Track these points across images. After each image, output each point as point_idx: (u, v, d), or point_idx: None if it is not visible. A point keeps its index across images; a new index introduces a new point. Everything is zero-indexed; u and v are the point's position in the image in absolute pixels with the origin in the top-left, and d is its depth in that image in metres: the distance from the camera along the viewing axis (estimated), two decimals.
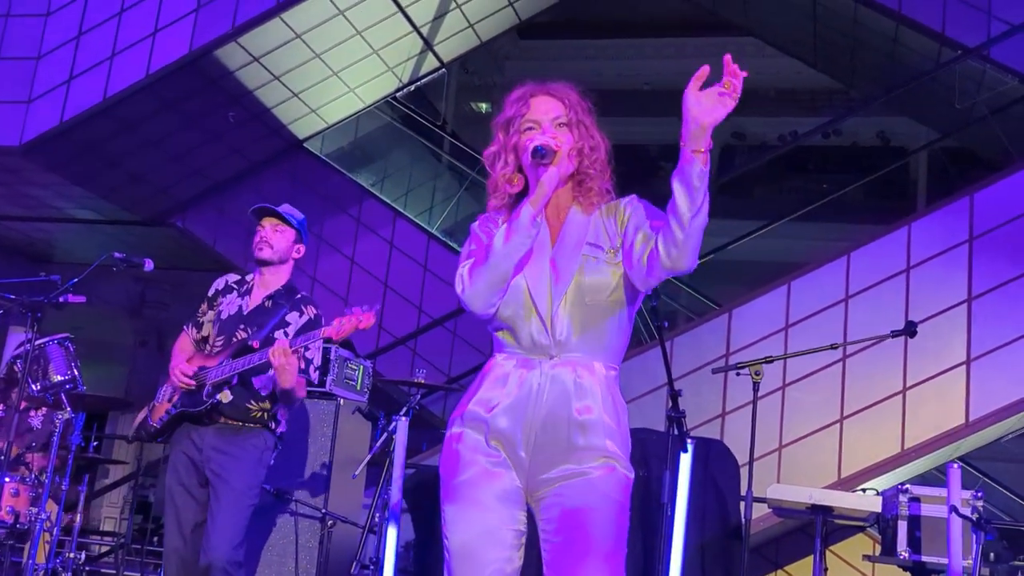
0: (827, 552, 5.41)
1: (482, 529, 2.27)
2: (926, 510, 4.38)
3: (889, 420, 6.95)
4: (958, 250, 7.18)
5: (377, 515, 4.80)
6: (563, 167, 2.35)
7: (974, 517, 4.02)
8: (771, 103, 13.99)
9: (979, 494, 4.24)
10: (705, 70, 2.13)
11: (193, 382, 3.95)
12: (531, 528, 2.33)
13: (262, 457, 4.00)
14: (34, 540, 4.60)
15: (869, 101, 10.91)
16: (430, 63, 9.75)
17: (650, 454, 4.64)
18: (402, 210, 10.21)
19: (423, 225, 10.21)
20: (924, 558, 4.31)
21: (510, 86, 2.48)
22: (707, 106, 2.11)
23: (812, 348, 5.08)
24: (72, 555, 5.22)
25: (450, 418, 2.40)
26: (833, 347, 5.10)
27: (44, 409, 5.44)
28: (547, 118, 2.38)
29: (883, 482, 6.60)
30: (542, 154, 2.31)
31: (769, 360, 4.71)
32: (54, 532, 4.97)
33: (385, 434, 4.75)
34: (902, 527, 4.36)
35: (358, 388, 5.25)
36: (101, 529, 12.07)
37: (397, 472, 4.49)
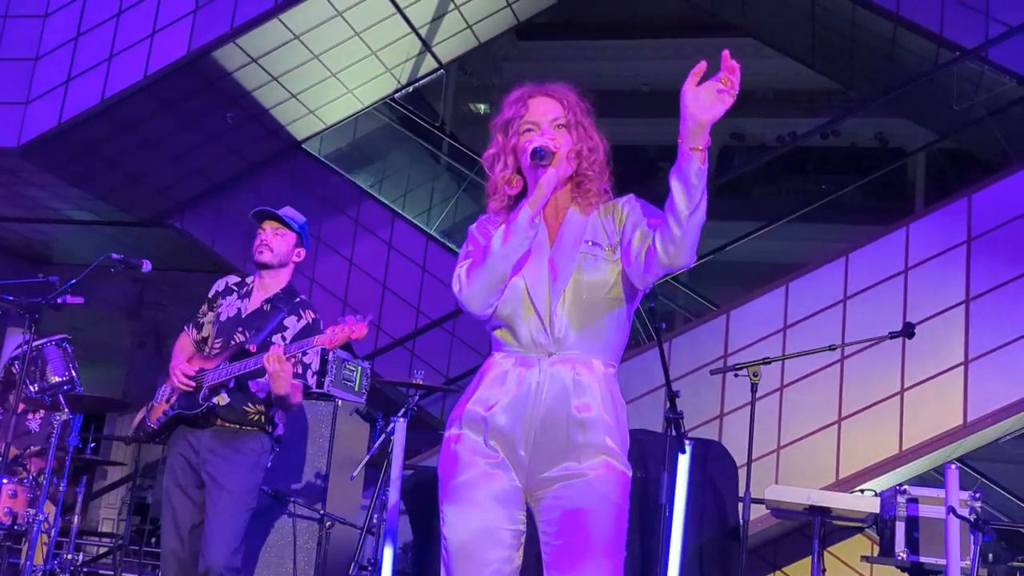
0: (825, 553, 5.41)
1: (481, 529, 2.27)
2: (924, 511, 4.39)
3: (887, 421, 6.96)
4: (956, 251, 7.18)
5: (375, 516, 4.80)
6: (562, 168, 2.35)
7: (972, 518, 4.02)
8: (770, 104, 14.00)
9: (977, 495, 4.25)
10: (702, 66, 2.12)
11: (192, 383, 3.94)
12: (531, 527, 2.33)
13: (259, 460, 4.00)
14: (32, 541, 4.60)
15: (867, 102, 10.92)
16: (428, 64, 9.75)
17: (648, 455, 4.64)
18: (400, 211, 10.21)
19: (421, 226, 10.21)
20: (922, 559, 4.31)
21: (508, 87, 2.47)
22: (705, 103, 2.10)
23: (810, 349, 5.08)
24: (70, 556, 5.22)
25: (448, 419, 2.40)
26: (831, 348, 5.11)
27: (42, 412, 5.44)
28: (546, 119, 2.38)
29: (881, 483, 6.60)
30: (541, 156, 2.31)
31: (767, 361, 4.71)
32: (52, 533, 4.97)
33: (383, 435, 4.75)
34: (900, 528, 4.37)
35: (356, 389, 5.24)
36: (99, 530, 12.08)
37: (395, 473, 4.49)
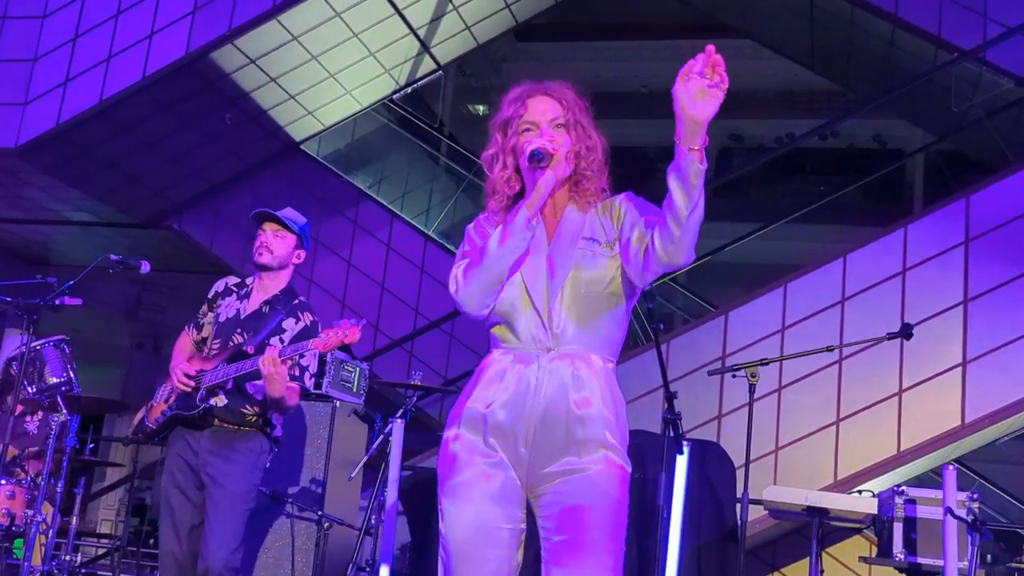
0: (823, 554, 5.41)
1: (480, 529, 2.28)
2: (922, 512, 4.40)
3: (885, 422, 6.96)
4: (954, 252, 7.18)
5: (373, 517, 4.80)
6: (560, 169, 2.35)
7: (969, 519, 4.03)
8: (768, 105, 14.02)
9: (975, 496, 4.25)
10: (690, 64, 2.09)
11: (191, 384, 3.94)
12: (531, 526, 2.33)
13: (258, 461, 4.00)
14: (29, 542, 4.59)
15: (866, 103, 10.93)
16: (427, 65, 9.75)
17: (646, 456, 4.64)
18: (399, 212, 10.22)
19: (420, 227, 10.21)
20: (920, 560, 4.32)
21: (507, 88, 2.47)
22: (697, 101, 2.08)
23: (808, 350, 5.08)
24: (68, 557, 5.22)
25: (447, 418, 2.40)
26: (829, 349, 5.11)
27: (40, 413, 5.44)
28: (545, 119, 2.38)
29: (879, 484, 6.60)
30: (538, 158, 2.30)
31: (765, 362, 4.72)
32: (50, 534, 4.97)
33: (381, 436, 4.76)
34: (898, 529, 4.37)
35: (354, 390, 5.24)
36: (97, 531, 12.06)
37: (393, 474, 4.49)
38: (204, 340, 4.15)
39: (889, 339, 4.86)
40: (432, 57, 9.63)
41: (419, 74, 9.83)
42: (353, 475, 5.05)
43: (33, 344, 4.76)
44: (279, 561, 4.97)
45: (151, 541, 8.43)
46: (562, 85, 2.43)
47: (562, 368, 2.29)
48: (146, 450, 7.19)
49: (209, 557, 3.79)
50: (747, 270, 10.73)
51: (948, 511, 3.94)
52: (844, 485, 6.77)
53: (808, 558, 4.78)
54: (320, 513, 4.92)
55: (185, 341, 4.21)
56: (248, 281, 4.21)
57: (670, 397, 4.30)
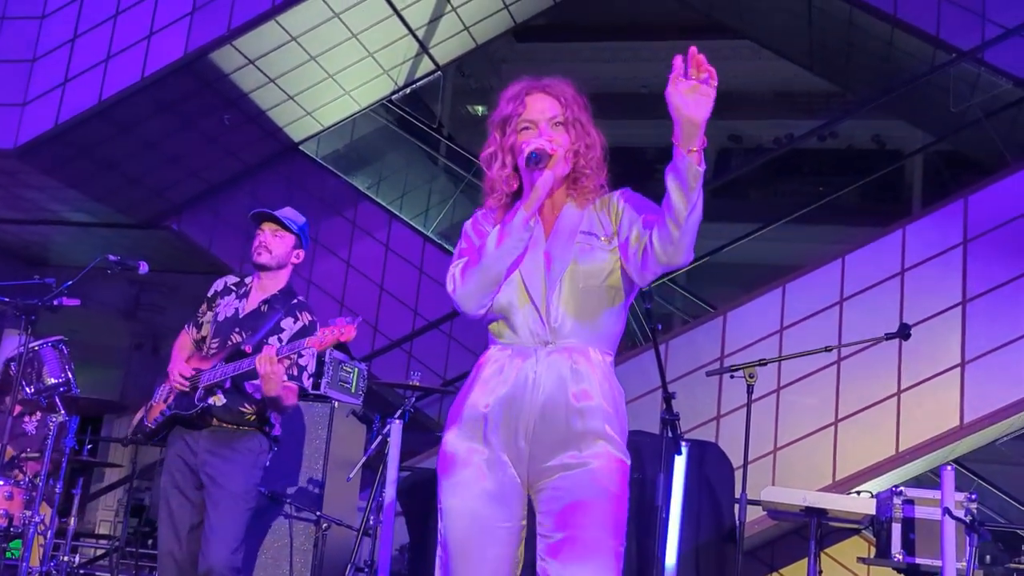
0: (822, 554, 5.41)
1: (478, 528, 2.28)
2: (920, 512, 4.40)
3: (884, 423, 6.96)
4: (953, 253, 7.19)
5: (372, 518, 4.80)
6: (558, 168, 2.34)
7: (968, 519, 4.03)
8: (767, 106, 14.03)
9: (973, 496, 4.25)
10: (678, 64, 2.07)
11: (187, 384, 3.94)
12: (531, 525, 2.33)
13: (257, 460, 4.00)
14: (27, 543, 4.59)
15: (864, 104, 10.93)
16: (426, 66, 9.75)
17: (645, 457, 4.64)
18: (398, 213, 10.22)
19: (419, 228, 10.21)
20: (918, 560, 4.32)
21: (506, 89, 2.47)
22: (691, 102, 2.08)
23: (807, 351, 5.09)
24: (66, 558, 5.22)
25: (447, 418, 2.40)
26: (827, 349, 5.12)
27: (38, 414, 5.43)
28: (543, 118, 2.37)
29: (878, 484, 6.60)
30: (536, 160, 2.30)
31: (763, 363, 4.72)
32: (48, 535, 4.96)
33: (380, 437, 4.75)
34: (896, 529, 4.38)
35: (353, 391, 5.24)
36: (96, 532, 12.05)
37: (392, 475, 4.49)
38: (203, 339, 4.15)
39: (887, 339, 4.86)
40: (431, 58, 9.63)
41: (418, 75, 9.83)
42: (351, 476, 5.05)
43: (31, 344, 4.77)
44: (277, 562, 4.97)
45: (150, 542, 8.42)
46: (561, 82, 2.43)
47: (560, 362, 2.29)
48: (145, 451, 7.18)
49: (211, 557, 3.79)
50: (746, 271, 10.73)
51: (946, 512, 3.94)
52: (842, 486, 6.77)
53: (806, 559, 4.78)
54: (318, 514, 4.92)
55: (184, 340, 4.22)
56: (247, 281, 4.21)
57: (668, 398, 4.30)
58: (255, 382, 3.93)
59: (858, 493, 5.35)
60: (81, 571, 6.34)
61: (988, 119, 8.39)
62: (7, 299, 4.65)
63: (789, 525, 6.98)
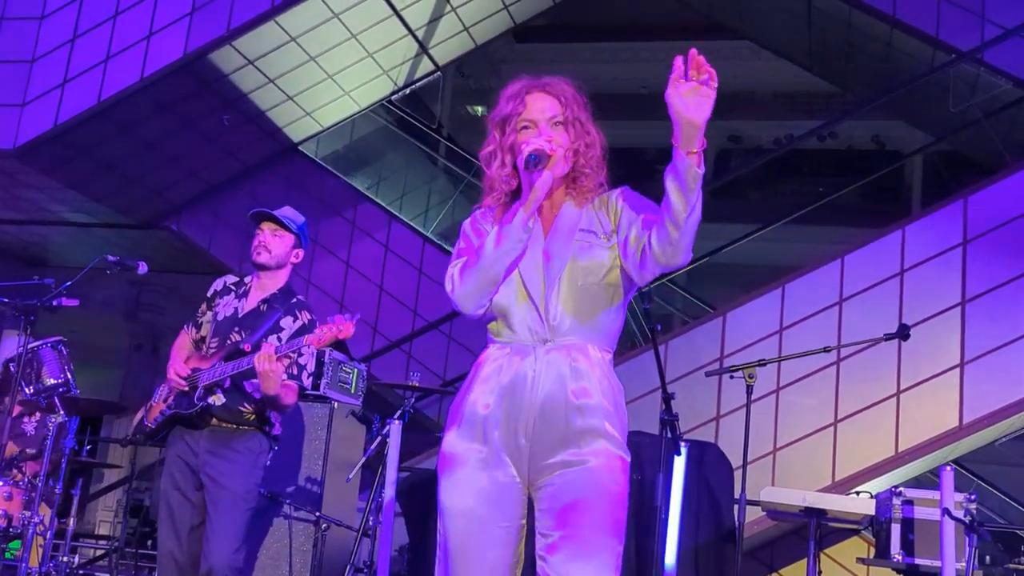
0: (821, 555, 5.41)
1: (477, 528, 2.28)
2: (920, 513, 4.40)
3: (883, 423, 6.96)
4: (952, 253, 7.19)
5: (371, 518, 4.80)
6: (558, 168, 2.34)
7: (967, 520, 4.03)
8: (767, 106, 14.04)
9: (972, 497, 4.25)
10: (678, 65, 2.07)
11: (186, 383, 3.94)
12: (531, 525, 2.33)
13: (258, 459, 3.99)
14: (27, 543, 4.59)
15: (864, 104, 10.94)
16: (425, 66, 9.75)
17: (644, 457, 4.64)
18: (397, 213, 10.22)
19: (418, 228, 10.21)
20: (918, 561, 4.32)
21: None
22: (691, 104, 2.08)
23: (806, 351, 5.08)
24: (66, 559, 5.21)
25: (447, 417, 2.40)
26: (827, 350, 5.12)
27: (38, 415, 5.43)
28: (543, 117, 2.37)
29: (877, 485, 6.60)
30: (535, 161, 2.29)
31: (763, 363, 4.72)
32: (47, 536, 4.96)
33: (379, 437, 4.75)
34: (896, 530, 4.37)
35: (352, 391, 5.24)
36: (95, 533, 12.05)
37: (391, 475, 4.49)
38: (203, 339, 4.15)
39: (887, 340, 4.86)
40: (430, 58, 9.64)
41: (417, 75, 9.83)
42: (351, 476, 5.05)
43: (31, 345, 4.76)
44: (277, 562, 4.96)
45: (149, 542, 8.42)
46: (561, 81, 2.42)
47: (559, 359, 2.29)
48: (144, 451, 7.17)
49: (212, 557, 3.78)
50: (745, 271, 10.73)
51: (946, 512, 3.94)
52: (842, 486, 6.77)
53: (806, 559, 4.78)
54: (318, 514, 4.92)
55: (184, 340, 4.21)
56: (247, 280, 4.21)
57: (668, 398, 4.30)
58: (254, 381, 3.92)
59: (857, 494, 5.35)
60: (80, 572, 6.34)
61: (988, 119, 8.40)
62: (6, 300, 4.64)
63: (788, 525, 6.99)
